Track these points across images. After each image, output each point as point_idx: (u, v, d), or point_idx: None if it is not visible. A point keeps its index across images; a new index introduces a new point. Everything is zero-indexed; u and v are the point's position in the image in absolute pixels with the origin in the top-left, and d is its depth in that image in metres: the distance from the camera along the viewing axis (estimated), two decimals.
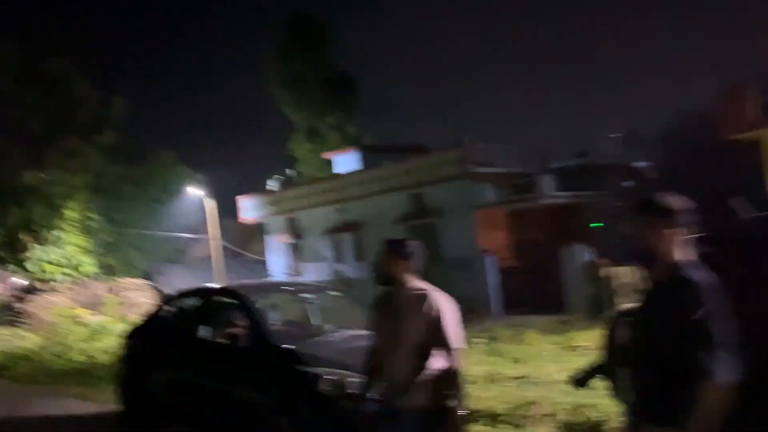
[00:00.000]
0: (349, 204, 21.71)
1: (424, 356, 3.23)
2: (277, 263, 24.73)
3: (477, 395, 6.10)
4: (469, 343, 10.26)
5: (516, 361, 9.25)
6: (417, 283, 3.37)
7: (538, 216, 18.16)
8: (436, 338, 3.21)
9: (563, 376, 5.89)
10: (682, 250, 2.31)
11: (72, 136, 19.82)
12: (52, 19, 22.02)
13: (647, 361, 2.33)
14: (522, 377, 7.84)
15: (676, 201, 2.34)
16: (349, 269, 20.67)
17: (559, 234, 16.68)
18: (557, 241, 16.10)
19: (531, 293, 16.01)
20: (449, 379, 3.21)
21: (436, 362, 3.22)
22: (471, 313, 12.85)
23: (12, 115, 19.96)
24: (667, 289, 2.26)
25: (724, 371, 2.07)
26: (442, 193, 18.80)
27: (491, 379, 7.69)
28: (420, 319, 3.22)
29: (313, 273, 22.10)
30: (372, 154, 23.78)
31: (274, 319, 6.93)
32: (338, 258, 22.21)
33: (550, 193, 17.55)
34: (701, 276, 2.21)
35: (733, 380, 2.09)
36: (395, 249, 3.40)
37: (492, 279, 17.28)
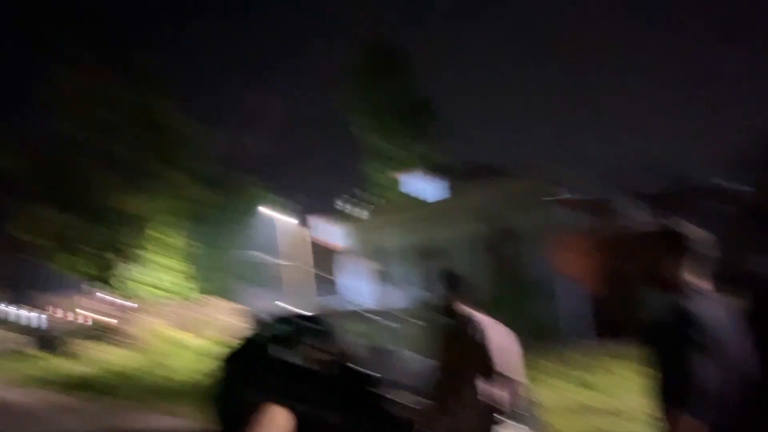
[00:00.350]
0: (428, 228, 21.85)
1: (477, 385, 3.34)
2: (356, 286, 25.16)
3: (560, 427, 6.09)
4: (547, 371, 10.19)
5: (599, 391, 9.09)
6: (470, 313, 3.52)
7: (623, 241, 17.69)
8: (487, 368, 3.33)
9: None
10: (694, 279, 2.31)
11: (165, 163, 21.06)
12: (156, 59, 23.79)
13: None
14: (604, 408, 7.72)
15: (690, 228, 2.35)
16: (426, 295, 20.73)
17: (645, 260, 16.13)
18: (643, 267, 15.59)
19: (615, 321, 15.58)
20: (502, 409, 3.30)
21: (490, 391, 3.32)
22: (551, 339, 12.68)
23: (122, 147, 21.38)
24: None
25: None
26: (520, 217, 18.64)
27: (572, 410, 7.63)
28: (472, 349, 3.36)
29: (393, 297, 22.32)
30: (449, 178, 23.84)
31: (357, 345, 7.20)
32: (421, 284, 22.34)
33: (635, 217, 17.09)
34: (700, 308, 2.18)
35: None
36: (448, 280, 3.60)
37: (573, 305, 16.94)
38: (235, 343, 8.39)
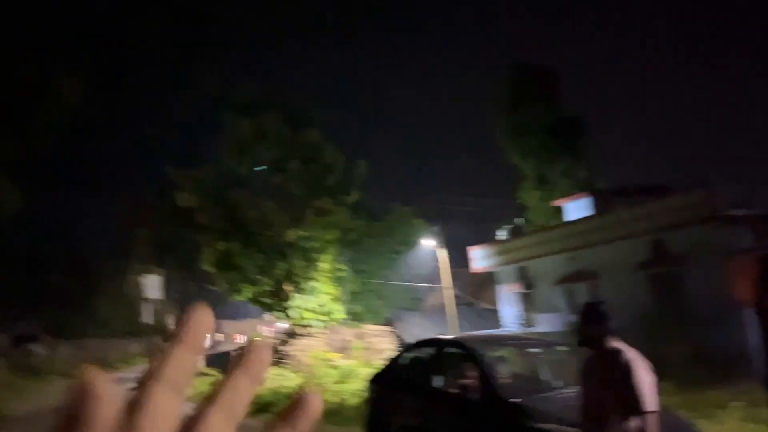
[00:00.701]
0: (581, 252, 21.05)
1: (623, 420, 3.26)
2: (509, 313, 24.74)
3: None
4: (724, 406, 9.35)
5: None
6: (613, 345, 3.44)
7: None
8: (633, 404, 3.23)
9: None
10: None
11: (323, 197, 22.37)
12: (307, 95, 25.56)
13: None
14: None
15: None
16: (575, 322, 19.85)
17: None
18: None
19: None
20: None
21: (631, 425, 3.24)
22: (725, 373, 11.66)
23: (278, 181, 23.23)
24: None
25: None
26: (687, 239, 17.31)
27: None
28: (613, 381, 3.29)
29: (546, 324, 21.68)
30: (605, 199, 22.86)
31: (503, 372, 7.16)
32: (572, 309, 21.51)
33: None
34: None
35: None
36: (589, 312, 3.54)
37: (752, 336, 15.28)
38: (383, 365, 8.70)
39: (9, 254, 32.93)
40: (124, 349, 39.69)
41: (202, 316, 0.40)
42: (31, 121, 20.78)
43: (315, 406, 0.43)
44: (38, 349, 32.61)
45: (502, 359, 7.60)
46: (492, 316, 27.40)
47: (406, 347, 8.86)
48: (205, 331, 0.40)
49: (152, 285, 23.95)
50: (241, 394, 0.41)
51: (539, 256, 23.09)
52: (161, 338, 41.17)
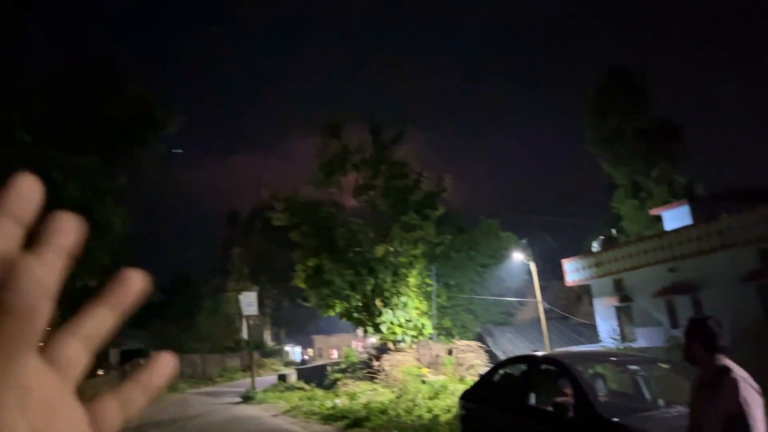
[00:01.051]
0: (682, 263, 19.99)
1: None
2: (605, 327, 23.81)
3: None
4: None
5: None
6: (722, 363, 3.27)
7: None
8: (737, 423, 3.07)
9: None
10: None
11: (410, 212, 22.55)
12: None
13: None
14: None
15: None
16: (677, 337, 18.84)
17: None
18: None
19: None
20: None
21: None
22: None
23: (365, 198, 23.63)
24: None
25: None
26: None
27: None
28: (718, 401, 3.13)
29: (645, 338, 20.71)
30: (706, 206, 21.64)
31: (602, 390, 6.93)
32: (673, 322, 20.44)
33: None
34: None
35: None
36: (695, 328, 3.39)
37: None
38: (475, 381, 8.63)
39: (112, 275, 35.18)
40: (223, 363, 41.41)
41: (27, 183, 0.36)
42: (136, 148, 22.31)
43: (136, 285, 0.41)
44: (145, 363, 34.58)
45: (600, 376, 7.36)
46: (586, 331, 26.48)
47: (499, 363, 8.73)
48: (30, 199, 0.36)
49: (248, 301, 24.87)
50: (100, 323, 0.39)
51: (636, 268, 22.11)
52: (258, 353, 42.67)
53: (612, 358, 8.26)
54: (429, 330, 22.74)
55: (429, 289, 25.56)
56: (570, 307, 30.75)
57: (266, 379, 29.61)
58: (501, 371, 8.12)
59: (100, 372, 29.30)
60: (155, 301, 41.14)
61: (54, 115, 17.03)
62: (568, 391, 6.29)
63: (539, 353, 7.71)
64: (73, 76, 19.80)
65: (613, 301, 23.36)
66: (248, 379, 26.02)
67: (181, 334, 38.42)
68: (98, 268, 13.61)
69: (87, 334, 0.38)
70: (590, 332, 25.83)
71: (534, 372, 7.19)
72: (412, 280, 23.64)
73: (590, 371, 7.00)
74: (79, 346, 0.38)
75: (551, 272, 31.50)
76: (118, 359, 36.27)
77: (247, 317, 27.06)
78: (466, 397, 8.33)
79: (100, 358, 33.24)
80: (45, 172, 10.64)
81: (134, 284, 0.41)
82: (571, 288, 28.27)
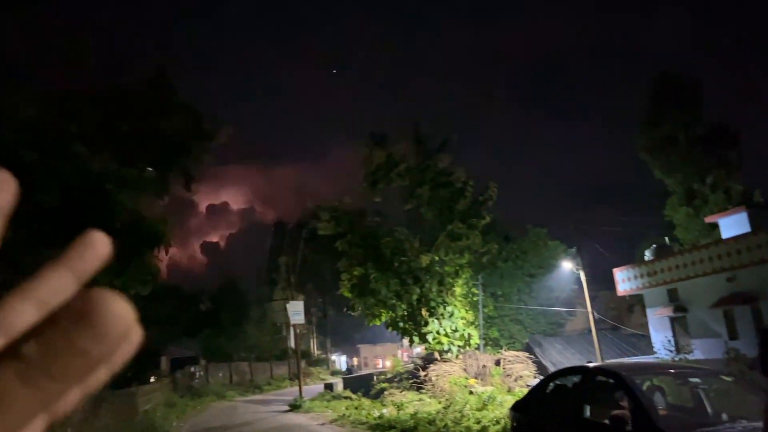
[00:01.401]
0: (741, 272, 19.22)
1: None
2: (659, 338, 23.05)
3: None
4: None
5: None
6: None
7: None
8: None
9: None
10: None
11: (455, 221, 22.37)
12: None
13: None
14: None
15: None
16: (747, 347, 18.04)
17: None
18: None
19: None
20: None
21: None
22: None
23: (410, 207, 23.55)
24: None
25: None
26: None
27: None
28: None
29: (702, 350, 19.96)
30: (766, 212, 20.83)
31: (660, 403, 6.66)
32: (732, 334, 19.64)
33: None
34: None
35: None
36: None
37: None
38: (525, 393, 8.43)
39: (167, 284, 35.97)
40: (271, 372, 41.84)
41: (94, 240, 0.35)
42: (185, 159, 22.79)
43: (101, 248, 0.36)
44: (196, 371, 35.26)
45: (658, 389, 7.07)
46: (639, 342, 25.73)
47: (552, 374, 8.50)
48: (94, 256, 0.34)
49: (295, 310, 25.08)
50: (60, 287, 0.34)
51: (691, 277, 21.38)
52: (305, 362, 42.97)
53: (670, 370, 7.93)
54: (476, 340, 22.44)
55: (476, 298, 25.25)
56: (621, 318, 29.97)
57: (313, 388, 29.75)
58: (553, 383, 7.90)
59: (152, 379, 29.95)
60: (204, 309, 41.97)
61: (107, 128, 17.59)
62: (625, 404, 6.06)
63: (593, 364, 7.45)
64: (126, 89, 20.43)
65: (667, 312, 22.63)
66: (295, 388, 26.18)
67: (229, 343, 38.99)
68: (150, 277, 13.94)
69: (42, 298, 0.34)
70: (643, 343, 25.10)
71: (589, 384, 6.96)
72: (458, 290, 23.40)
73: (648, 383, 6.73)
74: (31, 310, 0.33)
75: (601, 282, 30.77)
76: (168, 367, 37.04)
77: (294, 326, 27.26)
78: (517, 408, 8.14)
79: (152, 366, 34.02)
80: (99, 184, 11.00)
81: (100, 247, 0.36)
82: (622, 298, 27.52)
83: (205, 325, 39.43)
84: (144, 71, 22.78)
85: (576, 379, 7.29)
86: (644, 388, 6.29)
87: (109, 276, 12.59)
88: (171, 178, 21.60)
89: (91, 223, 10.87)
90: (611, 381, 6.59)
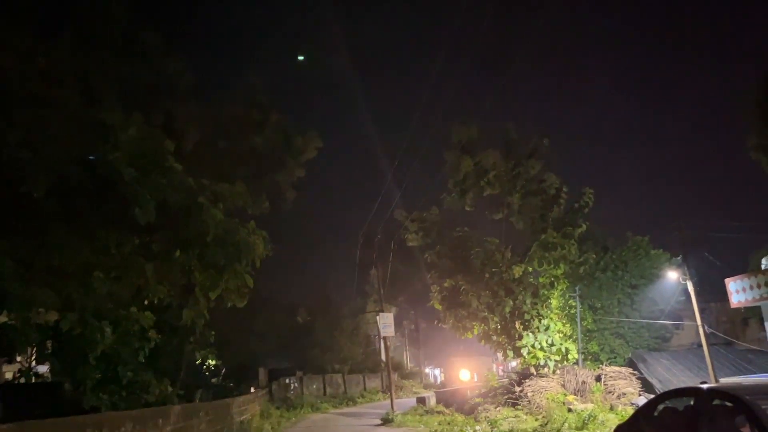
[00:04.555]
0: None
1: None
2: None
3: None
4: None
5: None
6: None
7: None
8: None
9: None
10: None
11: (549, 230, 21.52)
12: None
13: None
14: None
15: None
16: None
17: None
18: None
19: None
20: None
21: None
22: None
23: (501, 216, 22.93)
24: None
25: None
26: None
27: None
28: None
29: None
30: None
31: None
32: None
33: None
34: None
35: None
36: None
37: None
38: (629, 412, 7.76)
39: (262, 298, 36.99)
40: (364, 384, 42.01)
41: None
42: (276, 176, 23.39)
43: None
44: (291, 382, 35.95)
45: None
46: (757, 359, 23.65)
47: (660, 395, 7.77)
48: None
49: (385, 323, 24.99)
50: None
51: None
52: (398, 375, 42.85)
53: None
54: (574, 355, 21.38)
55: (573, 311, 24.15)
56: (735, 332, 27.72)
57: (406, 401, 29.49)
58: (662, 405, 7.22)
59: (252, 389, 30.77)
60: (300, 322, 42.84)
61: (203, 144, 18.38)
62: (747, 431, 5.39)
63: (708, 385, 6.70)
64: (220, 105, 21.33)
65: None
66: (388, 401, 26.03)
67: (323, 355, 39.52)
68: (246, 290, 14.23)
69: None
70: (761, 360, 23.07)
71: (703, 407, 6.26)
72: (554, 302, 22.45)
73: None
74: None
75: (710, 293, 28.63)
76: (266, 378, 38.02)
77: (385, 338, 27.18)
78: (622, 431, 7.52)
79: (251, 376, 35.03)
80: (193, 198, 11.35)
81: None
82: (736, 310, 25.42)
83: (300, 337, 40.22)
84: (239, 88, 23.71)
85: (689, 401, 6.60)
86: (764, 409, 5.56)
87: (205, 289, 12.97)
88: (263, 191, 22.25)
89: (184, 237, 11.18)
90: (730, 405, 5.89)
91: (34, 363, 10.89)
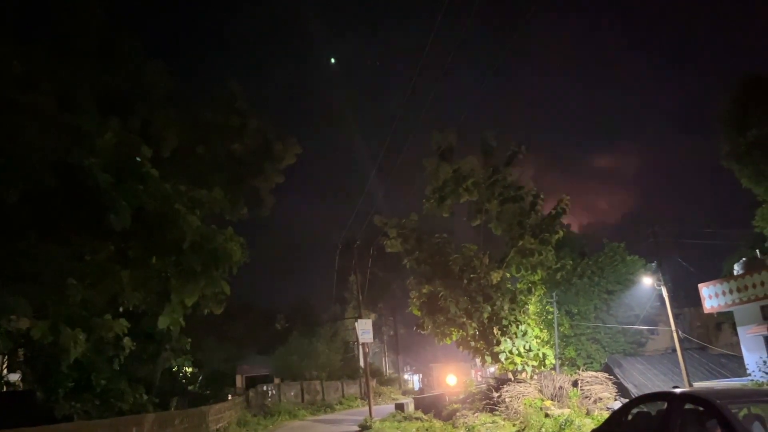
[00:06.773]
0: None
1: None
2: (753, 359, 21.45)
3: None
4: None
5: None
6: None
7: None
8: None
9: None
10: None
11: (526, 236, 21.68)
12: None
13: None
14: None
15: None
16: None
17: None
18: None
19: None
20: None
21: None
22: None
23: (479, 223, 23.04)
24: None
25: None
26: None
27: None
28: None
29: None
30: None
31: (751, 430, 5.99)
32: None
33: None
34: None
35: None
36: None
37: None
38: (604, 416, 7.85)
39: (240, 304, 36.69)
40: (342, 390, 41.84)
41: None
42: (255, 182, 23.28)
43: None
44: (269, 389, 35.71)
45: (756, 418, 6.36)
46: (729, 363, 24.06)
47: (634, 400, 7.87)
48: None
49: (364, 329, 24.95)
50: None
51: None
52: (376, 381, 42.73)
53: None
54: (551, 360, 21.55)
55: (550, 317, 24.36)
56: (708, 336, 28.18)
57: (384, 407, 29.44)
58: (636, 409, 7.32)
59: (229, 397, 30.52)
60: (278, 328, 42.62)
61: (181, 150, 18.19)
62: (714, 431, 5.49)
63: (680, 390, 6.80)
64: (199, 111, 21.15)
65: (762, 330, 21.05)
66: (366, 407, 25.95)
67: (301, 362, 39.32)
68: (222, 297, 14.14)
69: None
70: (734, 364, 23.47)
71: (675, 412, 6.35)
72: (531, 308, 22.61)
73: (744, 412, 6.09)
74: None
75: (684, 298, 29.11)
76: (243, 385, 37.70)
77: (364, 344, 27.13)
78: None
79: (229, 383, 34.74)
80: (169, 205, 11.25)
81: None
82: (709, 315, 25.87)
83: (278, 343, 39.97)
84: (218, 95, 23.56)
85: (661, 405, 6.70)
86: (740, 417, 5.68)
87: (181, 296, 12.85)
88: (242, 197, 22.12)
89: (160, 243, 11.08)
90: (702, 409, 6.00)
91: (5, 371, 10.71)
